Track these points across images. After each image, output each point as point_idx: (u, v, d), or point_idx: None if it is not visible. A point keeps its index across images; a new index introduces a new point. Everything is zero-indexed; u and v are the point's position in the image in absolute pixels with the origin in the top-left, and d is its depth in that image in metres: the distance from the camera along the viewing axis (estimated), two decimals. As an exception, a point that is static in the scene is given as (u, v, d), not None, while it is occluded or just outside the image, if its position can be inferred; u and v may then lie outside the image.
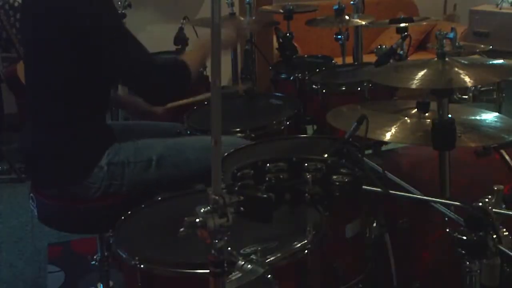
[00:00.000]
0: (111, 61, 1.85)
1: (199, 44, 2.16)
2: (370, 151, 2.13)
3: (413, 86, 1.58)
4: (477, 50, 2.64)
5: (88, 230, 2.18)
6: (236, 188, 1.10)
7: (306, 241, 1.39)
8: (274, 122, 2.26)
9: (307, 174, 1.25)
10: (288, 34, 2.92)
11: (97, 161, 1.90)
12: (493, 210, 1.15)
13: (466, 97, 2.06)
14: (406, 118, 1.73)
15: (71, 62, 1.84)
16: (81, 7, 1.81)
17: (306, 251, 1.38)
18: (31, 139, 1.97)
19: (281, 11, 3.16)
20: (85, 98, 1.90)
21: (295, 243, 1.39)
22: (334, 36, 3.19)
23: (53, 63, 1.86)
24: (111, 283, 2.21)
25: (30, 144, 1.98)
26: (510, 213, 1.18)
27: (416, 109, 1.77)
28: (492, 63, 1.70)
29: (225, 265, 1.04)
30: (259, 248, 1.28)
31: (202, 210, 1.00)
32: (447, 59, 1.65)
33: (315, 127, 2.69)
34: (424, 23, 4.60)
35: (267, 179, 1.29)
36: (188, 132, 2.24)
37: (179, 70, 1.93)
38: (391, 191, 1.30)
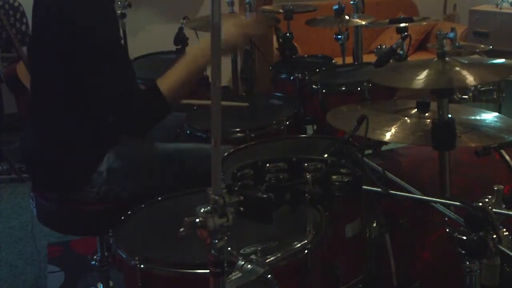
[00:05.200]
0: (97, 77, 1.77)
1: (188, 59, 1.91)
2: (370, 151, 2.13)
3: (414, 86, 1.58)
4: (477, 50, 2.65)
5: (88, 232, 2.18)
6: (236, 188, 1.10)
7: (306, 241, 1.40)
8: (274, 122, 2.26)
9: (307, 174, 1.25)
10: (288, 34, 2.92)
11: (96, 166, 1.89)
12: (493, 210, 1.15)
13: (466, 97, 2.06)
14: (406, 118, 1.73)
15: (70, 67, 1.79)
16: (78, 16, 1.75)
17: (306, 251, 1.38)
18: (31, 142, 1.97)
19: (281, 11, 3.16)
20: (85, 103, 1.88)
21: (295, 243, 1.39)
22: (334, 36, 3.19)
23: (53, 67, 1.84)
24: (111, 283, 2.21)
25: (30, 147, 1.97)
26: (510, 213, 1.18)
27: (416, 109, 1.77)
28: (493, 63, 1.70)
29: (225, 265, 1.04)
30: (259, 248, 1.29)
31: (202, 210, 1.00)
32: (447, 59, 1.65)
33: (315, 127, 2.69)
34: (424, 23, 4.60)
35: (267, 179, 1.29)
36: (188, 132, 2.24)
37: (156, 104, 1.81)
38: (391, 191, 1.30)
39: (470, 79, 1.56)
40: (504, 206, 1.19)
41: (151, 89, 1.81)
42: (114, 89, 1.77)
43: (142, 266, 1.38)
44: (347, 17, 2.97)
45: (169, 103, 1.81)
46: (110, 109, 1.81)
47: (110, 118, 1.83)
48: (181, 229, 1.01)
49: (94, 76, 1.76)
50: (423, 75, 1.60)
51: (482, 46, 2.74)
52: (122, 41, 1.86)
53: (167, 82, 1.81)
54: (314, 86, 2.54)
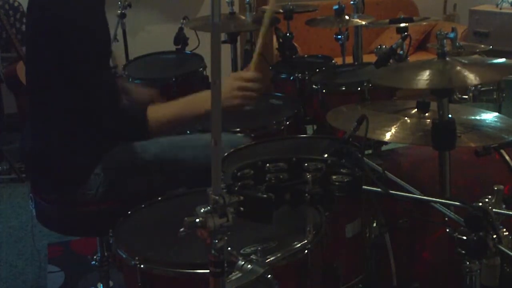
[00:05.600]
0: (95, 77, 1.79)
1: (190, 101, 1.87)
2: (370, 151, 2.13)
3: (414, 87, 1.58)
4: (477, 50, 2.64)
5: (86, 233, 2.18)
6: (236, 188, 1.10)
7: (306, 241, 1.39)
8: (274, 122, 2.26)
9: (307, 174, 1.25)
10: (288, 34, 2.92)
11: (93, 168, 1.89)
12: (493, 210, 1.15)
13: (466, 97, 2.06)
14: (406, 118, 1.73)
15: (67, 67, 1.79)
16: (77, 16, 1.76)
17: (306, 251, 1.38)
18: (31, 143, 1.97)
19: (281, 11, 3.15)
20: (84, 104, 1.88)
21: (295, 243, 1.39)
22: (334, 36, 3.19)
23: (50, 67, 1.83)
24: (111, 283, 2.21)
25: (30, 147, 1.97)
26: (510, 213, 1.18)
27: (416, 109, 1.77)
28: (493, 62, 1.70)
29: (225, 265, 1.04)
30: (259, 248, 1.28)
31: (202, 210, 1.00)
32: (447, 59, 1.65)
33: (315, 127, 2.69)
34: (424, 23, 4.60)
35: (267, 179, 1.29)
36: (188, 132, 2.24)
37: (135, 125, 1.80)
38: (391, 191, 1.30)
39: (470, 78, 1.56)
40: (504, 206, 1.19)
41: (139, 111, 1.80)
42: (108, 87, 1.79)
43: (142, 266, 1.38)
44: (347, 17, 2.96)
45: (151, 132, 1.80)
46: (100, 105, 1.81)
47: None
48: (181, 229, 1.01)
49: (93, 76, 1.77)
50: (423, 75, 1.60)
51: (482, 46, 2.74)
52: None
53: (159, 113, 1.81)
54: (314, 86, 2.54)
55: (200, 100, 1.83)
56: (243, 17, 3.02)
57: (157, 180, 1.93)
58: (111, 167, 1.90)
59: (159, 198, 1.73)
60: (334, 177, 1.25)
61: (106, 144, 1.95)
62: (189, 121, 1.86)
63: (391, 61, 2.15)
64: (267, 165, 1.31)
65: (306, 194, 1.24)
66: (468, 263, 1.21)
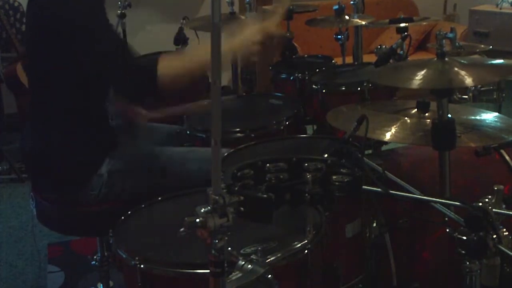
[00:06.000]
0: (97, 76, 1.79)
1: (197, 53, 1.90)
2: (370, 151, 2.13)
3: (413, 87, 1.58)
4: (477, 50, 2.64)
5: (87, 233, 2.17)
6: (236, 188, 1.10)
7: (306, 241, 1.40)
8: (274, 122, 2.26)
9: (307, 174, 1.25)
10: (288, 34, 2.92)
11: (97, 169, 1.89)
12: (493, 210, 1.15)
13: (466, 97, 2.06)
14: (406, 118, 1.73)
15: (66, 66, 1.80)
16: (77, 15, 1.76)
17: (306, 251, 1.38)
18: (31, 143, 1.97)
19: (281, 11, 3.15)
20: (85, 104, 1.88)
21: (295, 243, 1.39)
22: (334, 36, 3.19)
23: (51, 66, 1.83)
24: (111, 283, 2.21)
25: (30, 147, 1.97)
26: (510, 213, 1.18)
27: (416, 109, 1.77)
28: (492, 63, 1.70)
29: (225, 265, 1.04)
30: (259, 248, 1.29)
31: (202, 210, 1.00)
32: (446, 59, 1.65)
33: (315, 127, 2.69)
34: (424, 23, 4.60)
35: (267, 179, 1.29)
36: (188, 132, 2.24)
37: (145, 75, 1.76)
38: (391, 191, 1.30)
39: (469, 79, 1.56)
40: (504, 206, 1.19)
41: (149, 60, 1.79)
42: (108, 87, 1.80)
43: (142, 266, 1.38)
44: (347, 17, 2.96)
45: (162, 81, 1.75)
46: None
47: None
48: (181, 229, 1.01)
49: (92, 77, 1.77)
50: (422, 75, 1.60)
51: (482, 46, 2.74)
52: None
53: (168, 62, 1.79)
54: (314, 86, 2.54)
55: (206, 50, 1.82)
56: (243, 17, 3.02)
57: (160, 184, 1.93)
58: (115, 169, 1.90)
59: (159, 198, 1.73)
60: (334, 177, 1.25)
61: (108, 145, 1.95)
62: (196, 71, 1.84)
63: (391, 61, 2.15)
64: (267, 165, 1.31)
65: (306, 194, 1.24)
66: (468, 263, 1.21)
